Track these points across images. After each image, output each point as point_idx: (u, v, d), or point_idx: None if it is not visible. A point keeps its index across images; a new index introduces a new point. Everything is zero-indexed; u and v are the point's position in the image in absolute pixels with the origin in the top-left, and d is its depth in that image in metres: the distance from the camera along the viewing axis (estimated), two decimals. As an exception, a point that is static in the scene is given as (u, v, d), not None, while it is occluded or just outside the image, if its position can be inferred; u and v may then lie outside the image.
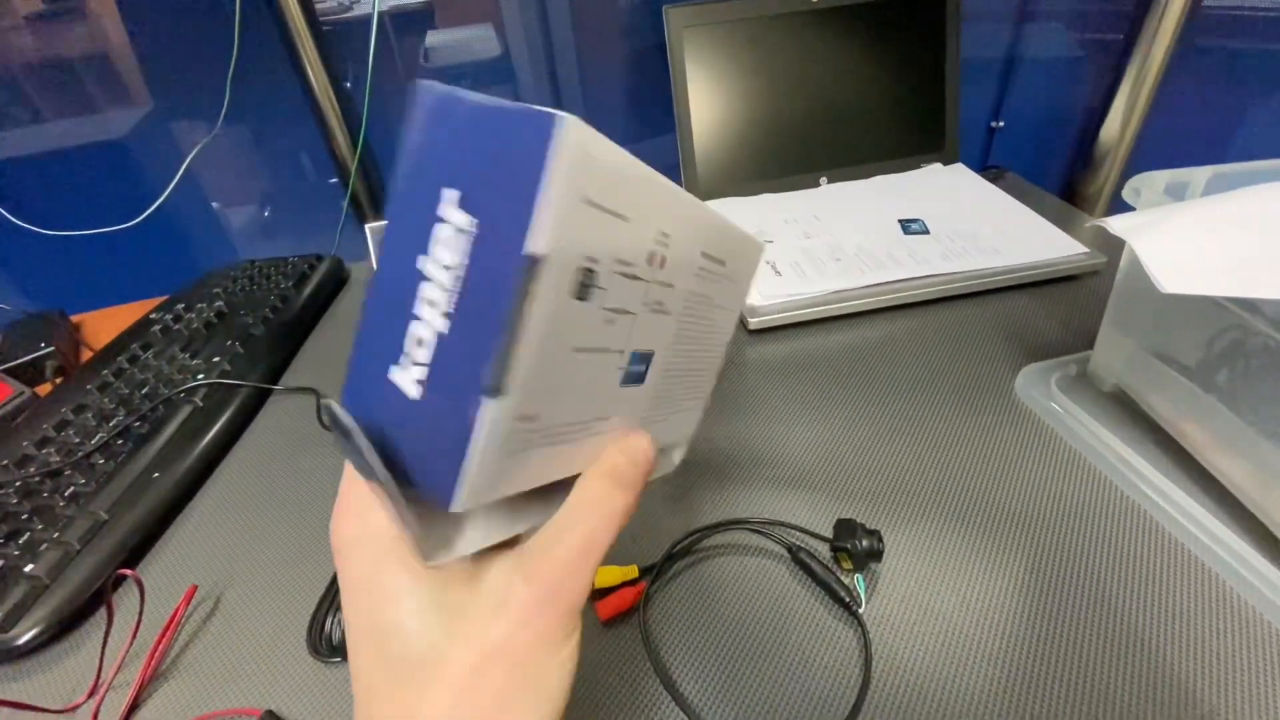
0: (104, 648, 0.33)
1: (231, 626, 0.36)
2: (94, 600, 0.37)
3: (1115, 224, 0.32)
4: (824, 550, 0.35)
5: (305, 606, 0.36)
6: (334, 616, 0.32)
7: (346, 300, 0.66)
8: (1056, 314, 0.52)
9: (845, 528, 0.34)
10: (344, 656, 0.32)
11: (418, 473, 0.16)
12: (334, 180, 0.74)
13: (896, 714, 0.29)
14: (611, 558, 0.35)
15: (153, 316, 0.60)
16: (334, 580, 0.37)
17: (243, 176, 0.76)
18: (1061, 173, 0.76)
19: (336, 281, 0.67)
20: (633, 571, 0.35)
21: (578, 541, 0.18)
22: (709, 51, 0.66)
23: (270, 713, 0.30)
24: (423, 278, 0.15)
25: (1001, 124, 0.77)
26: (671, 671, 0.32)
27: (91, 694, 0.33)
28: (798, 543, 0.35)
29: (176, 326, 0.59)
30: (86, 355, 0.62)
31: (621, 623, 0.34)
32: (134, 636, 0.34)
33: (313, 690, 0.32)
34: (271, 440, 0.49)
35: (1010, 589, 0.33)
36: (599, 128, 0.14)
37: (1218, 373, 0.35)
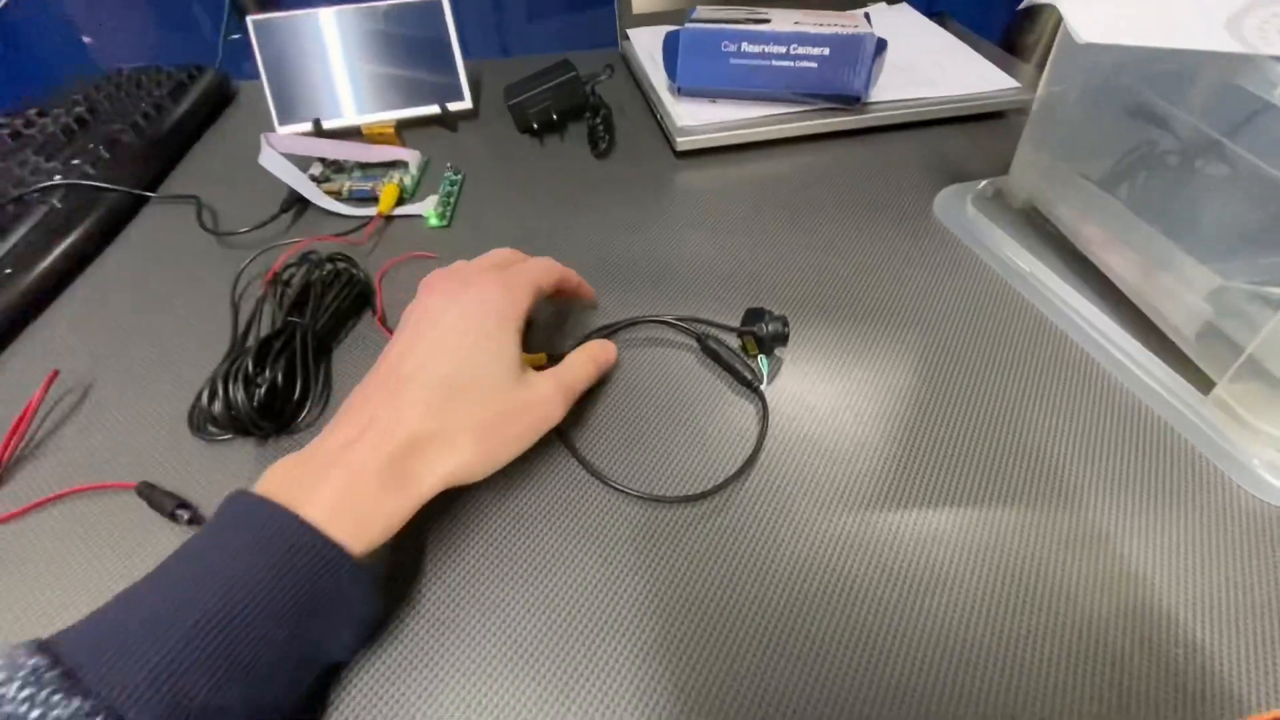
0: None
1: (104, 413, 0.33)
2: (-60, 391, 0.34)
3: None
4: (733, 340, 0.35)
5: (181, 400, 0.33)
6: (222, 397, 0.30)
7: (235, 118, 0.59)
8: (981, 147, 0.52)
9: (753, 314, 0.34)
10: (234, 431, 0.31)
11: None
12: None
13: (783, 476, 0.30)
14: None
15: (1, 120, 0.53)
16: (224, 364, 0.34)
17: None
18: (1003, 21, 0.74)
19: (220, 97, 0.60)
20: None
21: (575, 371, 0.31)
22: None
23: (146, 483, 0.29)
24: None
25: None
26: (575, 438, 0.32)
27: (-59, 473, 0.30)
28: (708, 332, 0.35)
29: (29, 131, 0.51)
30: (-78, 165, 0.54)
31: None
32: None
33: (193, 465, 0.31)
34: (145, 247, 0.44)
35: (906, 377, 0.34)
36: None
37: (1121, 184, 0.36)
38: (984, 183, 0.46)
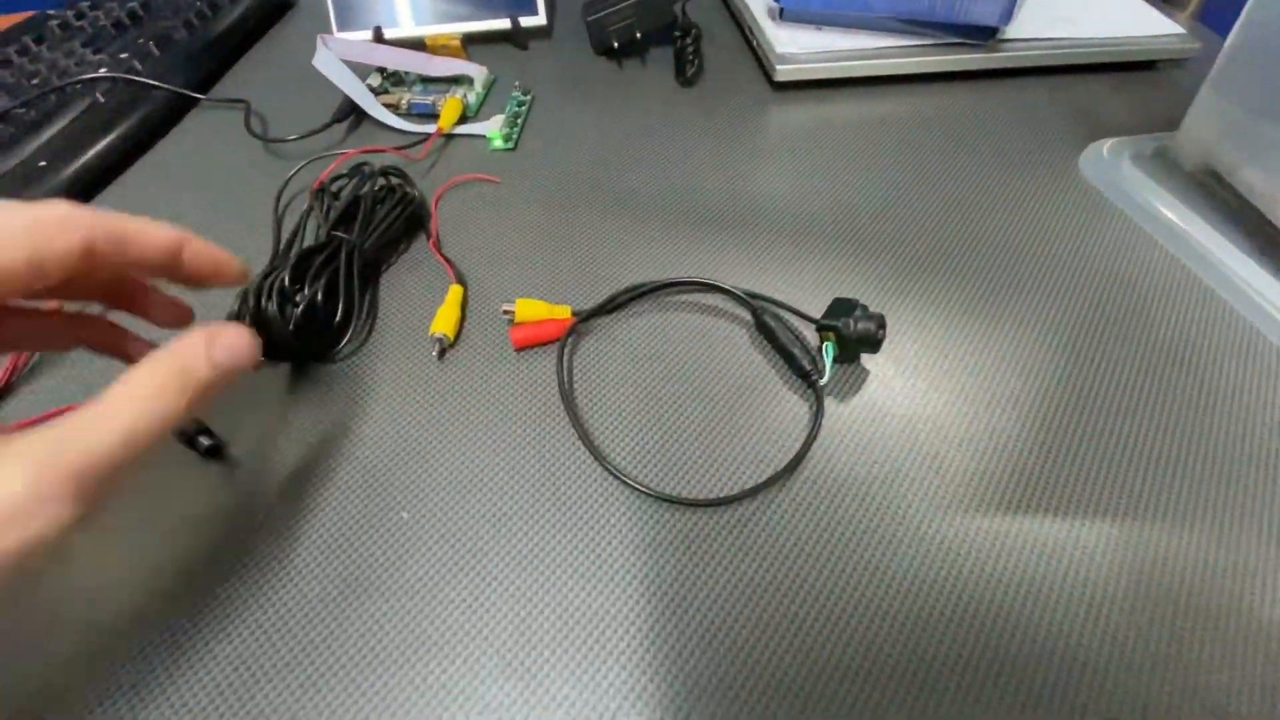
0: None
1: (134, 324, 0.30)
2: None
3: None
4: (806, 325, 0.29)
5: (220, 309, 0.30)
6: (252, 311, 0.26)
7: (294, 24, 0.55)
8: (1132, 99, 0.44)
9: (842, 306, 0.27)
10: (265, 353, 0.27)
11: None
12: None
13: (828, 490, 0.25)
14: (545, 296, 0.29)
15: (51, 13, 0.50)
16: (258, 277, 0.31)
17: None
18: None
19: (278, 4, 0.56)
20: (565, 312, 0.29)
21: (108, 425, 0.15)
22: None
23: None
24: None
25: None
26: (584, 410, 0.27)
27: (-46, 372, 0.27)
28: (765, 306, 0.29)
29: (79, 23, 0.48)
30: (-25, 56, 0.51)
31: (539, 354, 0.29)
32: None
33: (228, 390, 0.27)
34: (189, 151, 0.41)
35: (1035, 369, 0.28)
36: None
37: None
38: (1144, 139, 0.39)
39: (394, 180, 0.33)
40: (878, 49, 0.44)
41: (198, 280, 0.19)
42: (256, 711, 0.20)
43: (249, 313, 0.26)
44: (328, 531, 0.23)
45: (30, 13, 0.53)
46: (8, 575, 0.14)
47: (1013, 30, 0.45)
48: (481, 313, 0.30)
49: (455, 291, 0.30)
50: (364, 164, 0.34)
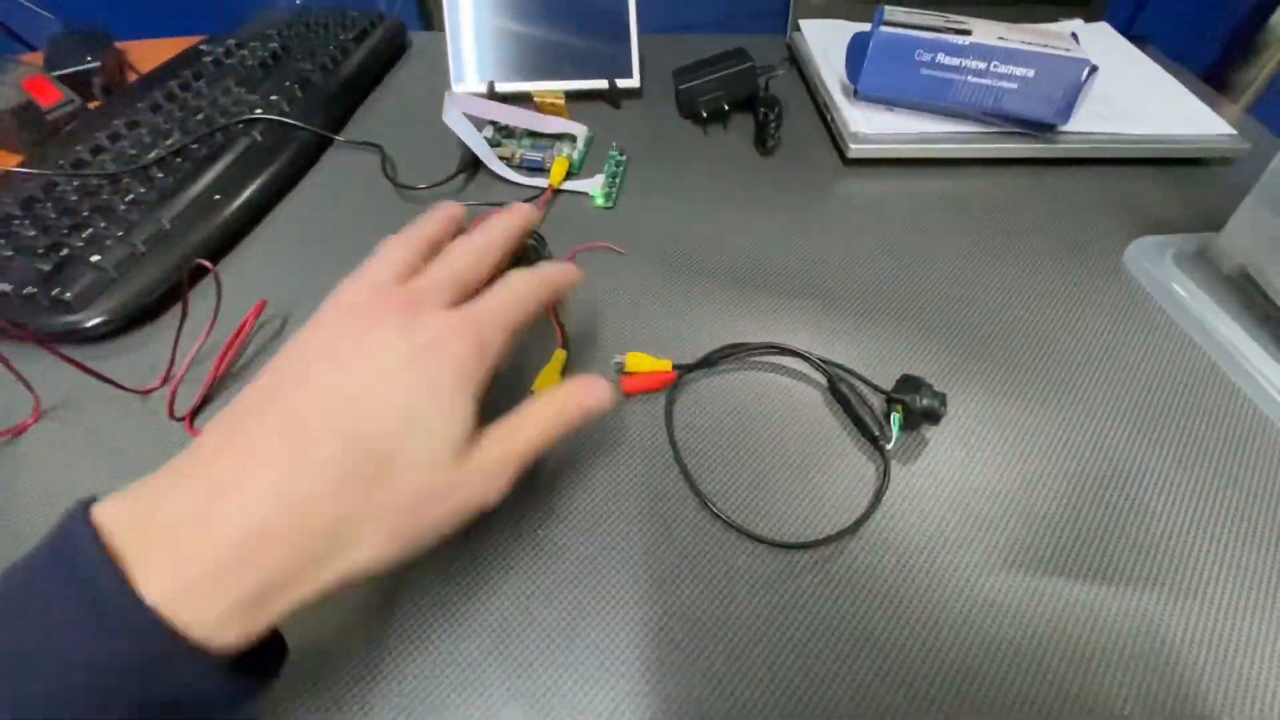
0: (177, 338, 0.33)
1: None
2: (158, 302, 0.37)
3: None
4: (868, 391, 0.34)
5: None
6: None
7: (408, 69, 0.61)
8: (1180, 195, 0.48)
9: (909, 382, 0.32)
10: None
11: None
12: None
13: (894, 547, 0.29)
14: (647, 349, 0.34)
15: (203, 48, 0.56)
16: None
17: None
18: (1210, 55, 0.67)
19: (397, 47, 0.62)
20: (666, 365, 0.34)
21: (531, 432, 0.23)
22: None
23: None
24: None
25: (1162, -15, 0.67)
26: (682, 452, 0.31)
27: (165, 382, 0.33)
28: (840, 374, 0.34)
29: (229, 61, 0.54)
30: (132, 79, 0.58)
31: (643, 401, 0.33)
32: (212, 325, 0.34)
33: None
34: (333, 188, 0.47)
35: (1073, 450, 0.32)
36: None
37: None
38: (1186, 237, 0.43)
39: (531, 242, 0.38)
40: (945, 133, 0.49)
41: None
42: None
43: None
44: (490, 538, 0.28)
45: (180, 39, 0.60)
46: (465, 523, 0.21)
47: (1071, 124, 0.49)
48: (579, 365, 0.35)
49: (559, 356, 0.34)
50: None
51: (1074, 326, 0.38)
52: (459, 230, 0.27)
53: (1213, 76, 0.67)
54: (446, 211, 0.27)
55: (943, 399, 0.31)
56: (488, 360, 0.22)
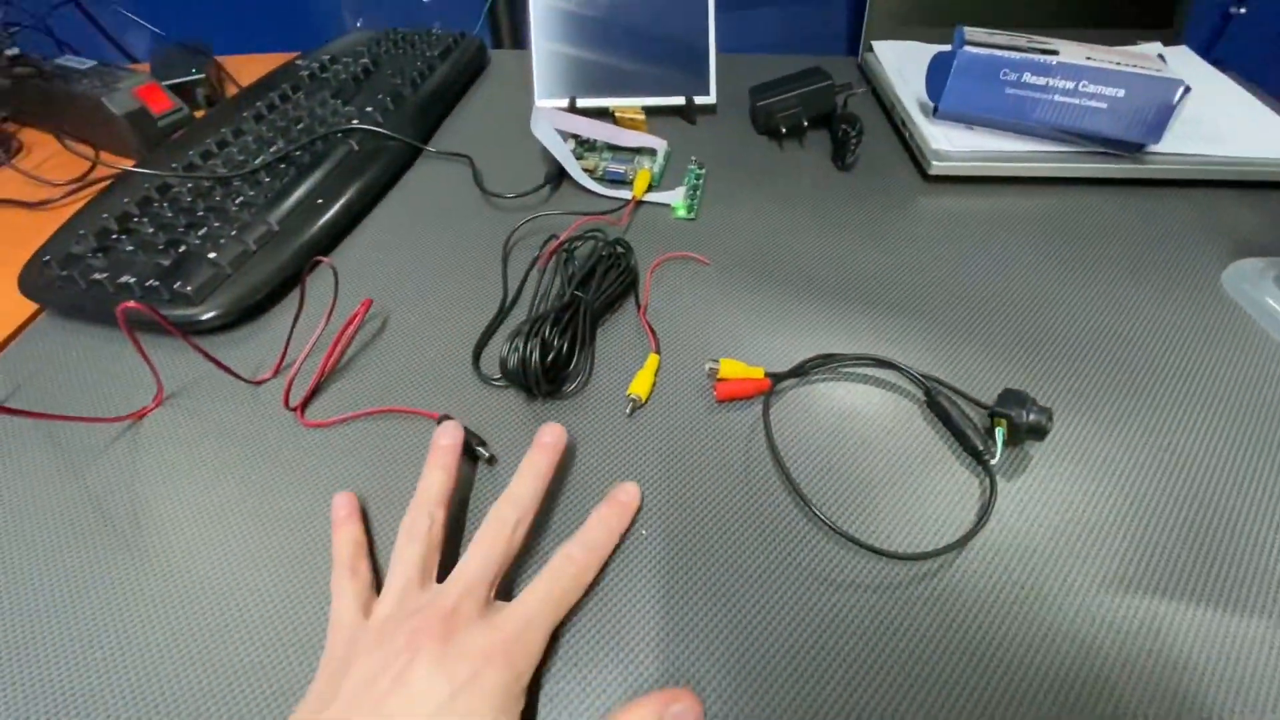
0: (292, 329, 0.35)
1: (400, 341, 0.37)
2: (267, 298, 0.38)
3: None
4: (977, 415, 0.33)
5: (467, 332, 0.37)
6: (521, 352, 0.32)
7: (486, 86, 0.63)
8: (1271, 218, 0.47)
9: (1013, 397, 0.31)
10: (512, 382, 0.33)
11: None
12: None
13: (1003, 566, 0.28)
14: (737, 356, 0.34)
15: (299, 63, 0.59)
16: (495, 317, 0.37)
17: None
18: (1295, 78, 0.66)
19: (477, 64, 0.64)
20: (758, 373, 0.34)
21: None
22: None
23: (446, 415, 0.32)
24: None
25: (1244, 10, 0.66)
26: (781, 459, 0.31)
27: (277, 373, 0.34)
28: (938, 387, 0.33)
29: (324, 75, 0.57)
30: (232, 91, 0.61)
31: (735, 409, 0.34)
32: (327, 320, 0.36)
33: (476, 405, 0.33)
34: (424, 195, 0.48)
35: (1183, 472, 0.31)
36: None
37: None
38: (1287, 261, 0.41)
39: (619, 250, 0.39)
40: (1029, 152, 0.49)
41: None
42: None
43: (518, 352, 0.31)
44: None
45: (273, 55, 0.63)
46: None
47: (1160, 144, 0.49)
48: (671, 370, 0.36)
49: (653, 360, 0.35)
50: (597, 231, 0.40)
51: (1175, 346, 0.37)
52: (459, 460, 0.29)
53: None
54: (448, 455, 0.28)
55: (1049, 414, 0.30)
56: (526, 677, 0.23)
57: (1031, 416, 0.30)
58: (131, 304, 0.28)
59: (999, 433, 0.31)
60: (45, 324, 0.38)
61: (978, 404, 0.33)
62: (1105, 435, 0.33)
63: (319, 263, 0.37)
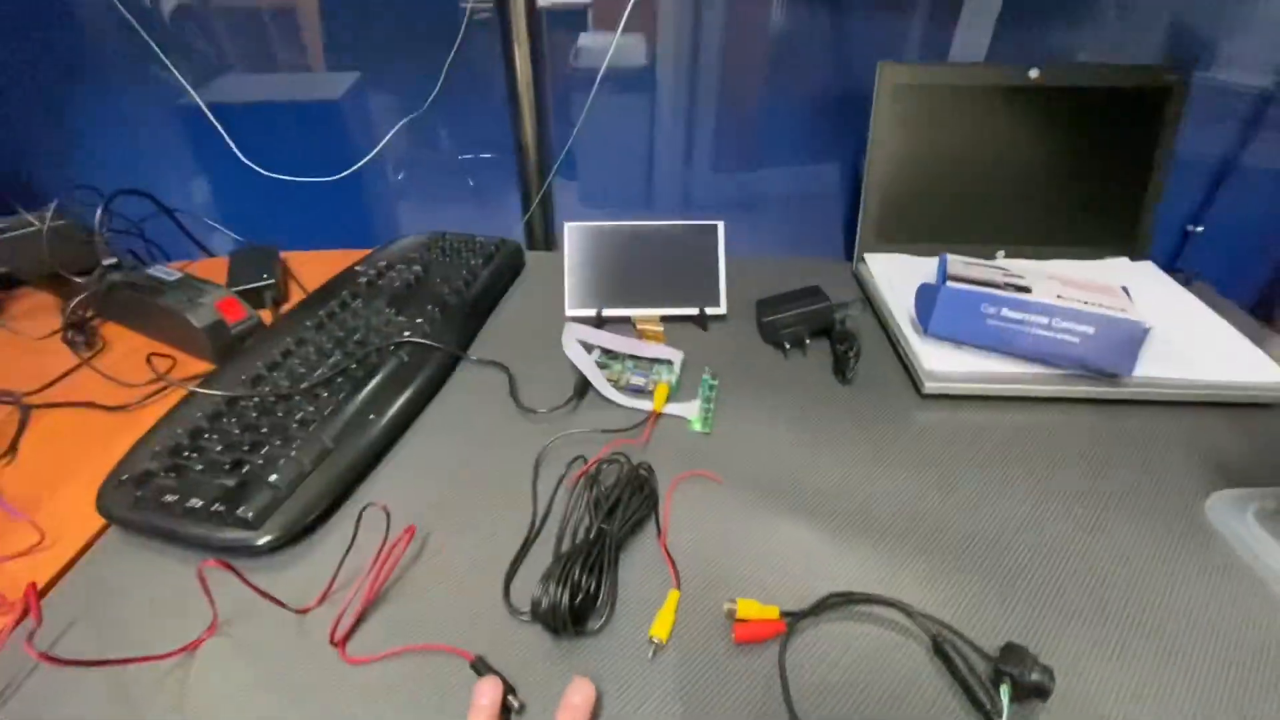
0: (340, 566, 0.38)
1: (436, 567, 0.40)
2: (319, 518, 0.42)
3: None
4: (980, 663, 0.35)
5: (499, 557, 0.39)
6: (551, 594, 0.34)
7: (523, 287, 0.70)
8: (1247, 440, 0.50)
9: (1014, 653, 0.33)
10: (541, 622, 0.35)
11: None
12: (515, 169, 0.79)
13: None
14: (751, 587, 0.36)
15: (357, 269, 0.67)
16: (525, 542, 0.40)
17: (436, 151, 0.83)
18: (1257, 288, 0.72)
19: (515, 267, 0.72)
20: (773, 612, 0.36)
21: None
22: (913, 109, 0.67)
23: (481, 658, 0.34)
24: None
25: (1200, 229, 0.74)
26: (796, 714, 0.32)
27: (322, 601, 0.37)
28: (943, 634, 0.35)
29: (380, 282, 0.64)
30: (293, 289, 0.69)
31: (755, 651, 0.35)
32: (378, 558, 0.38)
33: (504, 638, 0.36)
34: (463, 404, 0.53)
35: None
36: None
37: None
38: (1266, 492, 0.44)
39: (642, 473, 0.42)
40: (1017, 374, 0.53)
41: None
42: None
43: (548, 595, 0.34)
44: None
45: (332, 251, 0.71)
46: None
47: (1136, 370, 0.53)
48: (691, 605, 0.38)
49: (674, 597, 0.37)
50: (620, 455, 0.44)
51: (1162, 582, 0.39)
52: None
53: (1261, 308, 0.71)
54: (484, 715, 0.31)
55: (1050, 674, 0.32)
56: None
57: (1034, 677, 0.32)
58: (211, 562, 0.31)
59: (1004, 691, 0.32)
60: (113, 539, 0.42)
61: (983, 654, 0.35)
62: (1104, 687, 0.34)
63: (371, 505, 0.41)
